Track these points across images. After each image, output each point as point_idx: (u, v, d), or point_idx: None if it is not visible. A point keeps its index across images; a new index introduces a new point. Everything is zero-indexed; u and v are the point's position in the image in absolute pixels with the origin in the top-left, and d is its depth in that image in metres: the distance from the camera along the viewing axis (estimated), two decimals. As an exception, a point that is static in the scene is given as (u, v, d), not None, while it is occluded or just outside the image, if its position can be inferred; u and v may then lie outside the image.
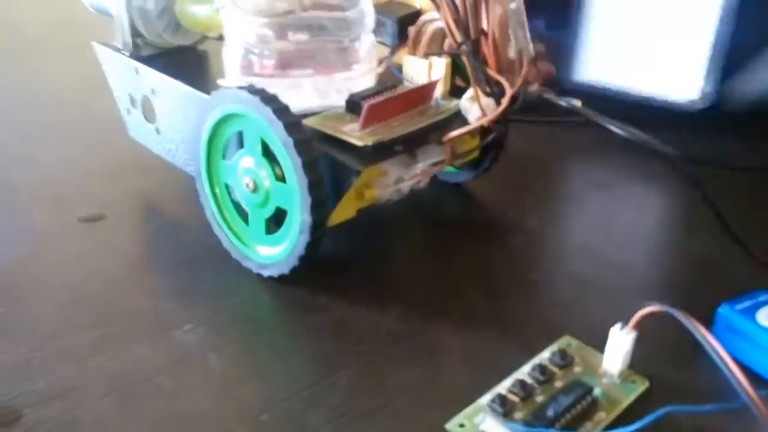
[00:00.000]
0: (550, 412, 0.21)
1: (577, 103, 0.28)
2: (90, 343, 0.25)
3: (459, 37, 0.26)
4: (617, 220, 0.34)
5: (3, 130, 0.43)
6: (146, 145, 0.36)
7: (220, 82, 0.30)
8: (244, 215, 0.29)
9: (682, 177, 0.27)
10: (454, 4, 0.26)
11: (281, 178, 0.27)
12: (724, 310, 0.24)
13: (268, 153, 0.27)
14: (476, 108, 0.28)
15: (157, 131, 0.35)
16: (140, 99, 0.35)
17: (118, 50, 0.35)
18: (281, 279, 0.28)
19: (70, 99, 0.48)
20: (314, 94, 0.30)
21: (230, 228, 0.30)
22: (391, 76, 0.31)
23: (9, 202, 0.35)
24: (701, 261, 0.30)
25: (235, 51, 0.29)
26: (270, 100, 0.26)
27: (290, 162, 0.26)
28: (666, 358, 0.24)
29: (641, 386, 0.23)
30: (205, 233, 0.30)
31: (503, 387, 0.23)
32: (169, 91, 0.32)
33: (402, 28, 0.31)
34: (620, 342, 0.23)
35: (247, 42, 0.29)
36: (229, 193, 0.30)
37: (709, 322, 0.25)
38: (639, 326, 0.23)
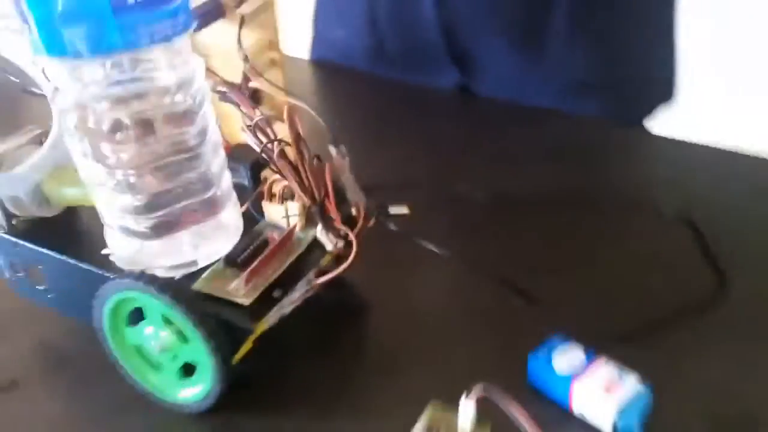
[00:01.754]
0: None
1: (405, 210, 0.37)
2: None
3: (308, 202, 0.33)
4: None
5: None
6: (37, 300, 0.39)
7: (105, 252, 0.35)
8: (153, 365, 0.35)
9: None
10: (297, 174, 0.33)
11: (185, 340, 0.32)
12: (530, 362, 0.34)
13: (168, 321, 0.32)
14: (330, 240, 0.35)
15: (47, 291, 0.38)
16: (24, 267, 0.38)
17: (-8, 229, 0.37)
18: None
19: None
20: (190, 247, 0.35)
21: (145, 378, 0.35)
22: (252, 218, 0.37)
23: None
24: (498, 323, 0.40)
25: (111, 226, 0.34)
26: (166, 287, 0.31)
27: (194, 331, 0.31)
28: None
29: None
30: (121, 381, 0.35)
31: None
32: (54, 263, 0.36)
33: (254, 172, 0.37)
34: (466, 408, 0.32)
35: (121, 218, 0.33)
36: (138, 352, 0.35)
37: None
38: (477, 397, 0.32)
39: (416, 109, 0.63)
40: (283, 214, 0.36)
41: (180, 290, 0.32)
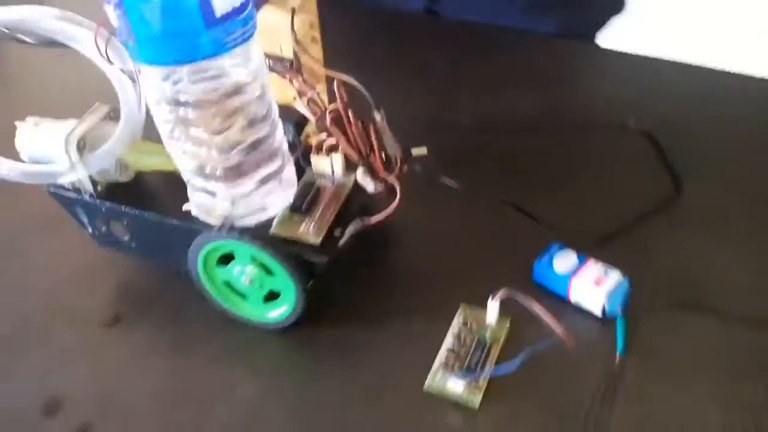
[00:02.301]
0: (473, 360, 0.40)
1: (424, 151, 0.44)
2: None
3: (356, 158, 0.40)
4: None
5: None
6: (118, 251, 0.47)
7: (185, 207, 0.42)
8: (241, 295, 0.43)
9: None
10: (347, 136, 0.40)
11: (270, 273, 0.41)
12: (536, 266, 0.44)
13: (255, 259, 0.40)
14: (370, 182, 0.43)
15: (129, 242, 0.45)
16: (107, 223, 0.45)
17: (77, 192, 0.44)
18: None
19: None
20: (260, 198, 0.42)
21: (235, 306, 0.43)
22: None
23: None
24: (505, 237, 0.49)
25: (195, 185, 0.40)
26: (255, 235, 0.39)
27: (280, 267, 0.40)
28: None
29: (507, 323, 0.42)
30: (209, 310, 0.44)
31: (441, 356, 0.41)
32: (141, 219, 0.43)
33: (298, 130, 0.44)
34: (493, 307, 0.42)
35: (204, 180, 0.40)
36: (227, 285, 0.43)
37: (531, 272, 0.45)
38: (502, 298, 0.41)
39: (391, 35, 0.68)
40: (328, 164, 0.44)
41: (265, 236, 0.40)
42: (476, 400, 0.39)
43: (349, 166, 0.44)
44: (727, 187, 0.51)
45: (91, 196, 0.43)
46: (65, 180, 0.42)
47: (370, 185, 0.43)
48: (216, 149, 0.38)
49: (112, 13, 0.33)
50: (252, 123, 0.38)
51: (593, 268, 0.43)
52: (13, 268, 0.50)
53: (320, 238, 0.40)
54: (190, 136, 0.37)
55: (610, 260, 0.44)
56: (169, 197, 0.43)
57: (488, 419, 0.39)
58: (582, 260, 0.44)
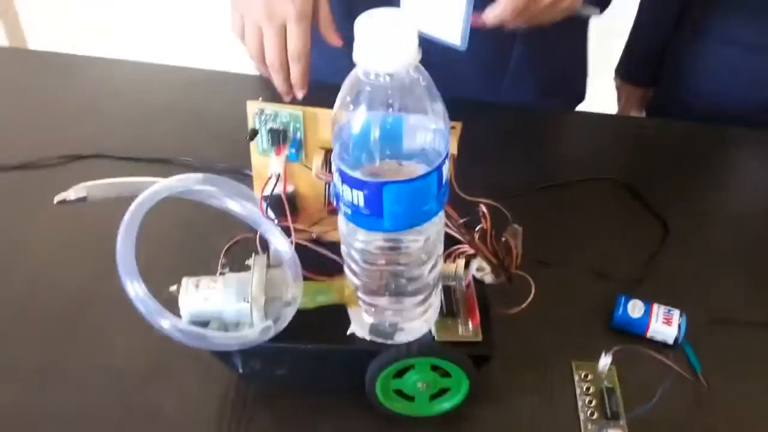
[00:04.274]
0: (611, 407, 0.51)
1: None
2: None
3: (495, 263, 0.48)
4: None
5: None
6: (266, 384, 0.49)
7: (350, 331, 0.47)
8: (404, 396, 0.49)
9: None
10: (488, 249, 0.48)
11: (446, 375, 0.47)
12: (615, 315, 0.56)
13: (434, 367, 0.47)
14: (489, 275, 0.51)
15: (285, 376, 0.49)
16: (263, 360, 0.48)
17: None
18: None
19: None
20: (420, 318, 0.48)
21: (402, 408, 0.49)
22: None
23: None
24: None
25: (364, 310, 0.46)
26: (434, 348, 0.45)
27: (458, 370, 0.46)
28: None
29: (614, 369, 0.54)
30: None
31: (583, 410, 0.51)
32: (307, 353, 0.47)
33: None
34: (606, 360, 0.52)
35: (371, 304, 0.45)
36: (397, 393, 0.48)
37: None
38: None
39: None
40: (453, 268, 0.51)
41: (440, 347, 0.46)
42: (627, 439, 0.49)
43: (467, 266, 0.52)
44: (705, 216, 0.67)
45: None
46: (255, 342, 0.44)
47: (489, 278, 0.51)
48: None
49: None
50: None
51: (658, 309, 0.56)
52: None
53: (480, 335, 0.48)
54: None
55: (653, 298, 0.57)
56: (322, 327, 0.47)
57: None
58: (647, 305, 0.56)
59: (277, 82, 0.64)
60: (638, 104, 0.98)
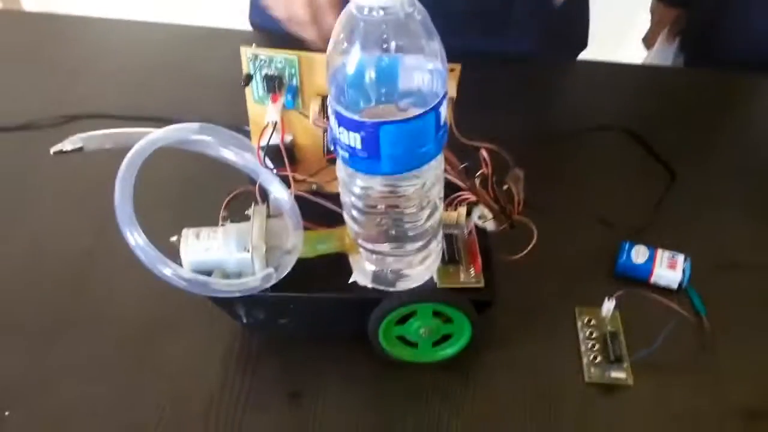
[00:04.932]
0: (614, 350, 0.51)
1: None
2: None
3: (497, 210, 0.48)
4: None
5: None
6: (268, 333, 0.50)
7: (352, 279, 0.47)
8: (407, 343, 0.49)
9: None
10: (490, 195, 0.48)
11: (449, 321, 0.47)
12: (619, 261, 0.55)
13: (436, 313, 0.47)
14: (491, 223, 0.51)
15: (287, 324, 0.49)
16: (266, 311, 0.48)
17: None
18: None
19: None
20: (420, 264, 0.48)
21: (405, 355, 0.49)
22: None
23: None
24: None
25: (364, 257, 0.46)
26: (437, 294, 0.45)
27: (460, 315, 0.46)
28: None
29: (618, 314, 0.53)
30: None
31: (586, 353, 0.51)
32: (310, 302, 0.47)
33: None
34: (609, 305, 0.52)
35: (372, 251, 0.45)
36: (399, 339, 0.48)
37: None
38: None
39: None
40: (455, 216, 0.51)
41: (443, 292, 0.46)
42: (631, 380, 0.49)
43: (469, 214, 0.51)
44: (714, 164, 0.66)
45: (262, 291, 0.46)
46: (256, 290, 0.44)
47: (491, 225, 0.51)
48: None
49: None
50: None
51: (662, 254, 0.55)
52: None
53: (482, 281, 0.48)
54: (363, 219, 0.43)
55: (658, 244, 0.56)
56: (324, 276, 0.47)
57: (642, 391, 0.49)
58: (652, 250, 0.56)
59: (311, 36, 0.61)
60: (671, 28, 0.90)
